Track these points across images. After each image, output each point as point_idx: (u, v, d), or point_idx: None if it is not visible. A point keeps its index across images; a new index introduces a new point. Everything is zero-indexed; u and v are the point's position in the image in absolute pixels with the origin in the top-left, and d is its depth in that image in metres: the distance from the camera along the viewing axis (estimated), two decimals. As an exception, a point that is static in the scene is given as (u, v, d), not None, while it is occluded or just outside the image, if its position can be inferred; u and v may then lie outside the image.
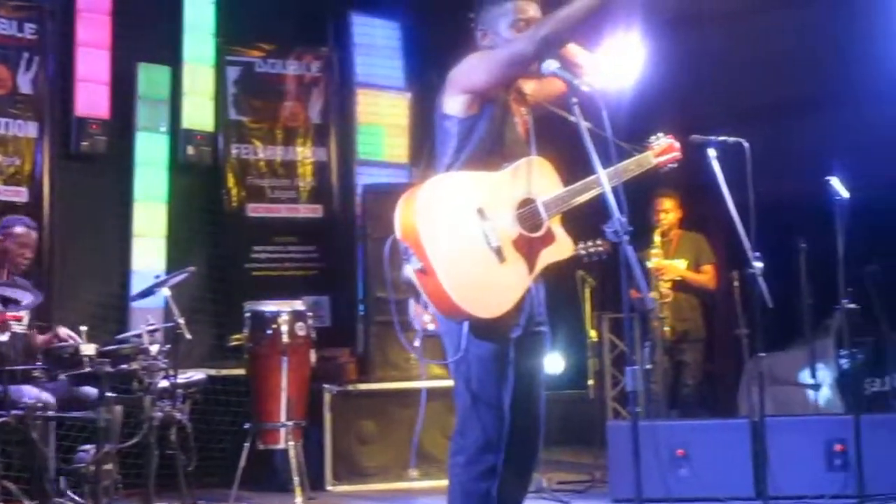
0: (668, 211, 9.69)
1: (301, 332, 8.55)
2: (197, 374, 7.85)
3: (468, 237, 4.42)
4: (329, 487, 8.92)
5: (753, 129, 6.49)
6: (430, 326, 4.85)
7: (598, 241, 7.63)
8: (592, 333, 9.57)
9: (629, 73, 5.18)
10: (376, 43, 11.16)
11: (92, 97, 9.50)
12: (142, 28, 9.93)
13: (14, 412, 6.67)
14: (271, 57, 10.64)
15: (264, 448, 8.50)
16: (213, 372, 9.02)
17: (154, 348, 7.20)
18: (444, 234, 4.36)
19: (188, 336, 7.47)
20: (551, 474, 8.95)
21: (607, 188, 4.26)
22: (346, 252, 10.63)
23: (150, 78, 9.88)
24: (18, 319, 7.47)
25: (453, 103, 4.63)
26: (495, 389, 4.51)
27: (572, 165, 4.77)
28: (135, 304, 8.96)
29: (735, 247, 5.95)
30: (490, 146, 4.61)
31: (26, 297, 7.13)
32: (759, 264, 5.80)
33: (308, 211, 10.61)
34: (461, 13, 5.01)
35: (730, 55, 10.03)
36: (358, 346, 9.87)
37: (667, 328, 9.38)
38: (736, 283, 8.45)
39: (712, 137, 6.06)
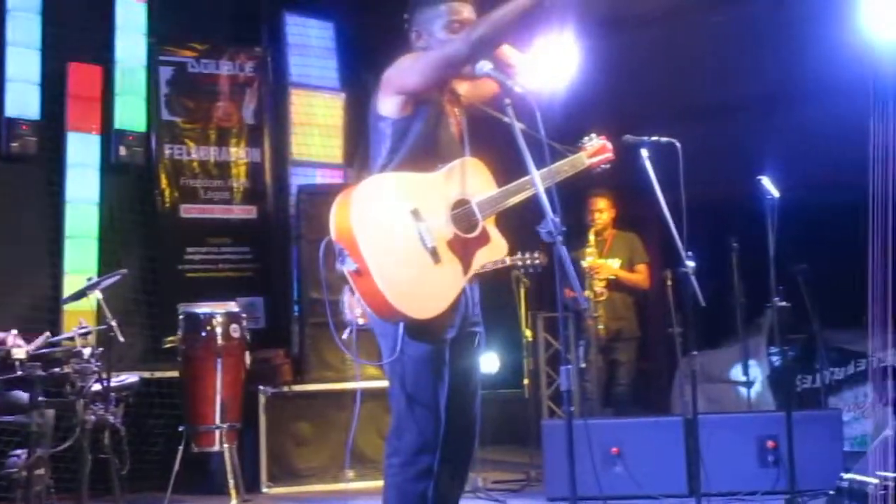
0: (602, 210, 9.75)
1: (235, 334, 8.53)
2: (130, 377, 7.81)
3: (403, 238, 4.43)
4: (264, 489, 8.88)
5: (686, 129, 6.51)
6: (361, 321, 4.86)
7: (535, 254, 7.70)
8: (527, 333, 9.59)
9: (562, 75, 5.22)
10: (310, 43, 11.14)
11: (22, 97, 9.38)
12: (73, 27, 9.82)
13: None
14: (204, 57, 10.57)
15: (199, 451, 8.46)
16: (146, 374, 8.96)
17: (86, 351, 7.14)
18: (378, 235, 4.37)
19: (121, 338, 7.43)
20: (487, 473, 8.98)
21: (541, 189, 4.27)
22: (280, 253, 10.59)
23: (82, 78, 9.79)
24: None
25: (387, 104, 4.64)
26: (431, 390, 4.52)
27: (506, 166, 4.78)
28: (66, 307, 8.87)
29: (668, 246, 5.98)
30: (424, 147, 4.62)
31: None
32: (691, 263, 5.84)
33: (242, 212, 10.56)
34: (396, 14, 5.01)
35: (662, 56, 10.08)
36: (293, 348, 9.83)
37: (601, 327, 9.44)
38: (669, 282, 8.51)
39: (645, 138, 6.10)
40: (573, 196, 8.98)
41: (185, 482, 8.46)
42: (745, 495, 7.71)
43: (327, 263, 4.51)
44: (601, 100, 9.29)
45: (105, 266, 9.35)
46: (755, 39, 9.60)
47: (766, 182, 6.99)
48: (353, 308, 4.98)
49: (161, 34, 10.30)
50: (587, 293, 9.31)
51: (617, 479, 7.78)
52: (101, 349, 7.32)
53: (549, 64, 5.08)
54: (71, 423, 6.98)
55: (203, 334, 8.45)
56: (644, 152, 6.01)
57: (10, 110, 9.32)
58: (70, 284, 9.09)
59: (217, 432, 8.37)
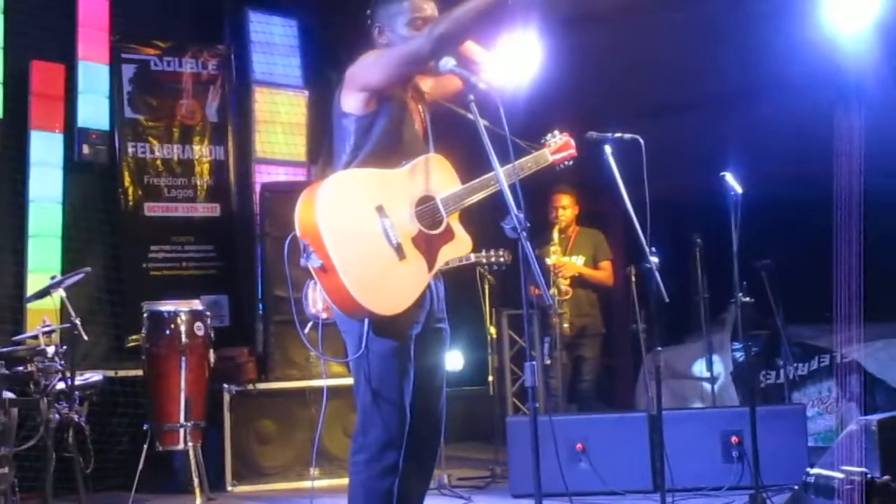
0: (566, 207, 9.78)
1: (200, 332, 8.50)
2: (94, 376, 7.78)
3: (368, 234, 4.44)
4: (229, 488, 8.86)
5: (649, 125, 6.53)
6: (325, 315, 4.86)
7: (501, 251, 7.72)
8: (492, 330, 9.59)
9: (526, 71, 5.25)
10: (274, 41, 11.11)
11: (-16, 96, 9.35)
12: (35, 25, 9.77)
13: None
14: (167, 55, 10.52)
15: (163, 449, 8.42)
16: (111, 373, 8.94)
17: (50, 350, 7.11)
18: (343, 231, 4.37)
19: (85, 337, 7.39)
20: (452, 470, 8.99)
21: (505, 185, 4.29)
22: (244, 251, 10.57)
23: (45, 76, 9.74)
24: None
25: (351, 101, 4.65)
26: (396, 387, 4.53)
27: (470, 163, 4.80)
28: (30, 305, 8.82)
29: (632, 242, 6.00)
30: (388, 143, 4.63)
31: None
32: (655, 259, 5.86)
33: (206, 210, 10.52)
34: (359, 12, 5.02)
35: (626, 53, 10.10)
36: (257, 346, 9.81)
37: (566, 324, 9.46)
38: (633, 279, 8.54)
39: (608, 134, 6.11)
40: (537, 193, 9.00)
41: (150, 481, 8.43)
42: (709, 490, 7.74)
43: (292, 260, 4.52)
44: (564, 96, 9.33)
45: (69, 264, 9.29)
46: (718, 35, 9.64)
47: (730, 178, 7.02)
48: (316, 302, 5.00)
49: (124, 32, 10.25)
50: (552, 291, 9.34)
51: (582, 476, 7.80)
52: (65, 347, 7.28)
53: (513, 60, 5.11)
54: (35, 422, 6.94)
55: (167, 332, 8.41)
56: (608, 149, 6.02)
57: (-27, 109, 9.28)
58: (34, 283, 9.04)
59: (181, 431, 8.34)
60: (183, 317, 8.44)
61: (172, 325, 8.41)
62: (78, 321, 7.30)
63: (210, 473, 8.64)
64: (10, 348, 7.22)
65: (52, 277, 7.83)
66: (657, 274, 5.85)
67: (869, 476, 5.17)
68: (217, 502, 8.53)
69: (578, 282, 9.65)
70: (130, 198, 10.14)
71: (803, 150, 9.69)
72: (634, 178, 6.00)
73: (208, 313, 8.70)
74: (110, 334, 9.80)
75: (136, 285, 9.96)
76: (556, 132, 5.34)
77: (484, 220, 4.96)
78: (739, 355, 10.59)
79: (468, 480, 9.02)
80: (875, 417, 5.90)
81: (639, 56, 10.14)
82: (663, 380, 6.53)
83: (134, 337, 8.81)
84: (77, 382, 7.22)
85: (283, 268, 4.61)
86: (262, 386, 9.16)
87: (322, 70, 10.83)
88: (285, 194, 8.70)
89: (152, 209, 10.26)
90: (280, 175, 10.76)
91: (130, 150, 10.23)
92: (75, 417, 7.14)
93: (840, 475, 5.30)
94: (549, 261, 9.39)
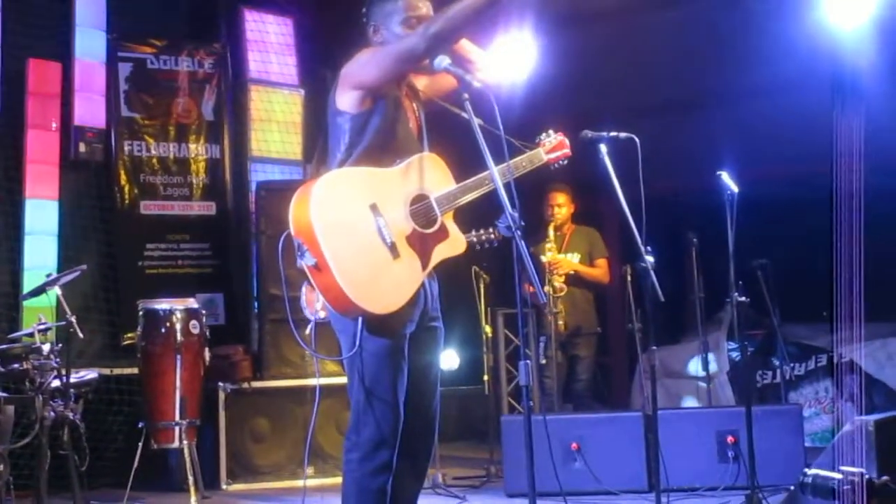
0: (562, 205, 9.78)
1: (195, 330, 8.49)
2: (89, 374, 7.79)
3: (362, 233, 4.44)
4: (224, 486, 8.85)
5: (645, 124, 6.54)
6: (322, 314, 4.85)
7: (490, 230, 7.70)
8: (487, 329, 9.59)
9: (520, 70, 5.24)
10: (269, 39, 11.10)
11: (-19, 94, 9.35)
12: (32, 24, 9.77)
13: None
14: (163, 53, 10.51)
15: (158, 447, 8.41)
16: (106, 371, 8.96)
17: (46, 347, 7.12)
18: (338, 229, 4.37)
19: (80, 335, 7.40)
20: (447, 470, 8.97)
21: (500, 184, 4.29)
22: (239, 249, 10.56)
23: (41, 74, 9.73)
24: None
25: (345, 99, 4.65)
26: (390, 385, 4.53)
27: (464, 161, 4.79)
28: (26, 303, 8.83)
29: (627, 241, 5.98)
30: (382, 142, 4.63)
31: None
32: (650, 258, 5.84)
33: (201, 208, 10.51)
34: (354, 10, 5.01)
35: (621, 52, 10.10)
36: (252, 344, 9.80)
37: (561, 322, 9.45)
38: (628, 278, 8.54)
39: (604, 133, 6.08)
40: (532, 191, 9.00)
41: (145, 479, 8.41)
42: (705, 490, 7.73)
43: (286, 259, 4.52)
44: (559, 95, 9.32)
45: (64, 262, 9.28)
46: (715, 34, 9.64)
47: (726, 177, 7.00)
48: (312, 302, 4.98)
49: (120, 30, 10.25)
50: (546, 289, 9.34)
51: (576, 475, 7.79)
52: (60, 345, 7.29)
53: (507, 59, 5.11)
54: (30, 420, 6.95)
55: (162, 331, 8.40)
56: (603, 148, 6.00)
57: (-30, 107, 9.28)
58: (29, 280, 9.05)
59: (176, 429, 8.33)
60: (178, 315, 8.43)
61: (168, 324, 8.40)
62: (73, 319, 7.30)
63: (205, 471, 8.64)
64: (5, 346, 7.25)
65: (48, 275, 7.83)
66: (653, 273, 5.84)
67: (867, 477, 5.16)
68: (211, 500, 8.52)
69: (574, 280, 9.64)
70: (126, 196, 10.14)
71: (799, 148, 9.69)
72: (630, 176, 6.00)
73: (203, 311, 8.69)
74: (105, 332, 9.79)
75: (131, 283, 9.95)
76: (551, 131, 5.34)
77: (472, 203, 4.93)
78: (736, 355, 10.58)
79: (463, 480, 9.01)
80: (872, 418, 5.90)
81: (634, 55, 10.14)
82: (659, 379, 6.53)
83: (129, 335, 8.80)
84: (72, 380, 7.23)
85: (278, 266, 4.60)
86: (256, 384, 9.16)
87: (317, 69, 10.81)
88: (281, 193, 8.68)
89: (148, 207, 10.25)
90: (275, 174, 10.74)
91: (126, 148, 10.22)
92: (70, 415, 7.15)
93: (837, 475, 5.29)
94: (544, 258, 9.38)
